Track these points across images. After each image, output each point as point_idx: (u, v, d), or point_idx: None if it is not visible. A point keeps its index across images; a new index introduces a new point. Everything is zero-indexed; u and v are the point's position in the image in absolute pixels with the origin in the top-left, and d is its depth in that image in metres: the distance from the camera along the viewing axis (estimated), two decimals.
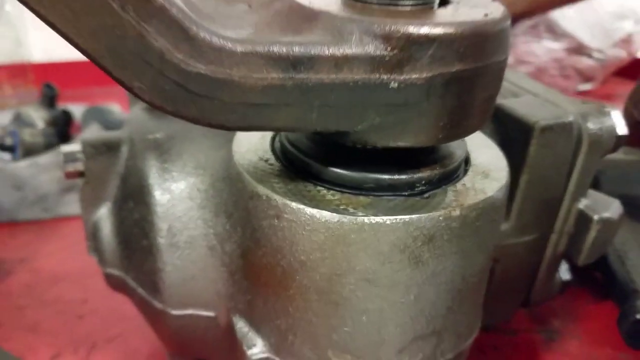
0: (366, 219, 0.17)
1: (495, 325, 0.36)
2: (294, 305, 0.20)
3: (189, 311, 0.24)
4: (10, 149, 0.57)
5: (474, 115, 0.18)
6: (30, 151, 0.57)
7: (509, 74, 0.34)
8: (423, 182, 0.19)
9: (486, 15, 0.17)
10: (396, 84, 0.16)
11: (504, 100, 0.29)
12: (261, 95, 0.16)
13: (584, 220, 0.30)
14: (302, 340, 0.20)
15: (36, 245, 0.44)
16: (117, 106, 0.71)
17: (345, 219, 0.18)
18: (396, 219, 0.18)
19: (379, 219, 0.18)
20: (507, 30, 0.18)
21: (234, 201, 0.21)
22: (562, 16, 0.94)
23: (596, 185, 0.44)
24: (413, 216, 0.18)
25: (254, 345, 0.22)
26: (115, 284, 0.27)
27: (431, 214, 0.18)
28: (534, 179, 0.28)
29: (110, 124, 0.66)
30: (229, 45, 0.15)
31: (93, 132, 0.54)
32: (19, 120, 0.64)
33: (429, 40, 0.15)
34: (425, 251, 0.18)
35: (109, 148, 0.25)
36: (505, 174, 0.21)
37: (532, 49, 0.97)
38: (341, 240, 0.18)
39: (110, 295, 0.33)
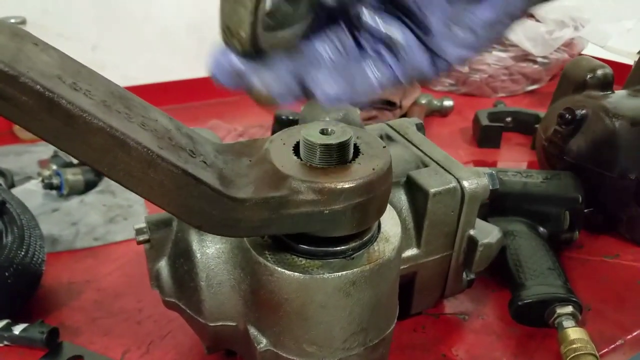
0: (318, 276, 0.33)
1: (424, 312, 0.52)
2: (282, 321, 0.35)
3: (220, 323, 0.40)
4: (57, 188, 0.72)
5: (373, 215, 0.34)
6: (73, 188, 0.72)
7: (424, 146, 0.49)
8: (350, 250, 0.35)
9: (374, 169, 0.32)
10: (327, 211, 0.31)
11: (413, 171, 0.45)
12: (259, 223, 0.31)
13: (472, 243, 0.46)
14: (288, 339, 0.36)
15: (95, 268, 0.60)
16: None
17: (308, 276, 0.33)
18: (334, 274, 0.33)
19: (325, 275, 0.33)
20: (388, 172, 0.33)
21: (246, 261, 0.37)
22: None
23: (505, 203, 0.60)
24: (342, 272, 0.33)
25: (261, 342, 0.38)
26: (171, 306, 0.42)
27: (353, 270, 0.33)
28: (433, 222, 0.44)
29: None
30: (243, 202, 0.30)
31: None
32: (57, 157, 0.78)
33: (341, 191, 0.31)
34: (352, 289, 0.34)
35: (165, 224, 0.41)
36: (398, 238, 0.36)
37: (484, 58, 1.11)
38: (306, 287, 0.33)
39: (159, 305, 0.49)
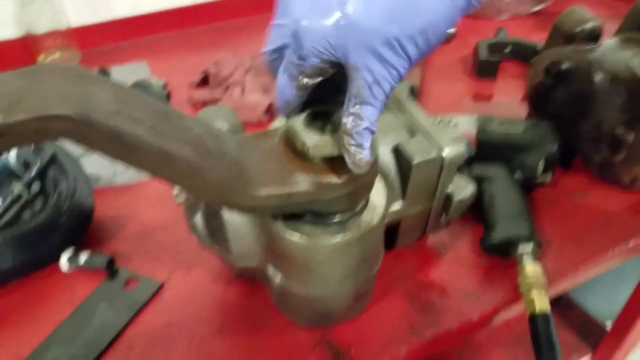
0: (319, 241, 0.43)
1: (407, 246, 0.63)
2: (291, 268, 0.46)
3: (245, 263, 0.51)
4: None
5: (362, 197, 0.43)
6: None
7: (414, 113, 0.56)
8: (344, 220, 0.44)
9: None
10: (325, 198, 0.41)
11: (400, 142, 0.53)
12: (272, 208, 0.41)
13: (449, 198, 0.56)
14: (297, 279, 0.47)
15: (134, 203, 0.71)
16: (146, 65, 0.92)
17: (311, 240, 0.43)
18: (331, 240, 0.43)
19: (324, 240, 0.43)
20: (374, 165, 0.41)
21: (263, 224, 0.47)
22: None
23: (488, 151, 0.68)
24: (337, 239, 0.43)
25: (277, 279, 0.49)
26: (206, 247, 0.54)
27: (346, 237, 0.44)
28: (415, 185, 0.53)
29: (153, 96, 0.88)
30: (259, 195, 0.39)
31: None
32: None
33: (336, 185, 0.40)
34: (345, 249, 0.44)
35: None
36: (382, 209, 0.46)
37: None
38: (309, 249, 0.44)
39: (192, 238, 0.60)
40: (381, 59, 0.35)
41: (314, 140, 0.40)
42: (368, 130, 0.37)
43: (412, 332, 0.54)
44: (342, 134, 0.37)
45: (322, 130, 0.41)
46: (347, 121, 0.37)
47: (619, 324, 1.07)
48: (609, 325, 1.26)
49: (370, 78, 0.35)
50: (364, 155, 0.37)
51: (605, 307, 1.42)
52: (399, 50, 0.35)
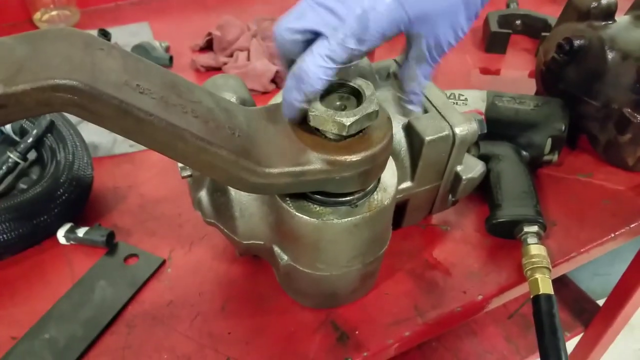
0: (329, 221, 0.42)
1: (414, 225, 0.62)
2: (300, 247, 0.45)
3: (251, 241, 0.50)
4: None
5: (375, 176, 0.42)
6: None
7: (427, 89, 0.54)
8: (355, 200, 0.43)
9: (378, 143, 0.39)
10: (338, 177, 0.39)
11: (412, 118, 0.51)
12: (283, 186, 0.39)
13: (458, 177, 0.55)
14: (304, 259, 0.47)
15: (134, 174, 0.69)
16: (148, 27, 0.89)
17: (321, 221, 0.42)
18: (341, 220, 0.42)
19: (335, 220, 0.42)
20: (388, 144, 0.40)
21: (271, 202, 0.45)
22: None
23: (496, 128, 0.67)
24: (348, 218, 0.42)
25: (283, 258, 0.48)
26: (210, 224, 0.52)
27: (356, 216, 0.43)
28: (426, 162, 0.52)
29: (155, 60, 0.85)
30: (271, 172, 0.38)
31: None
32: None
33: (349, 163, 0.38)
34: (355, 229, 0.43)
35: None
36: (393, 189, 0.45)
37: None
38: (319, 229, 0.43)
39: (195, 212, 0.58)
40: (445, 23, 0.37)
41: (316, 111, 0.38)
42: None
43: (417, 314, 0.53)
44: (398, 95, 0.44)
45: (339, 103, 0.40)
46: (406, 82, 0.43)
47: (612, 302, 1.09)
48: (600, 304, 1.28)
49: (433, 42, 0.38)
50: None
51: (597, 285, 1.43)
52: (468, 12, 0.37)
